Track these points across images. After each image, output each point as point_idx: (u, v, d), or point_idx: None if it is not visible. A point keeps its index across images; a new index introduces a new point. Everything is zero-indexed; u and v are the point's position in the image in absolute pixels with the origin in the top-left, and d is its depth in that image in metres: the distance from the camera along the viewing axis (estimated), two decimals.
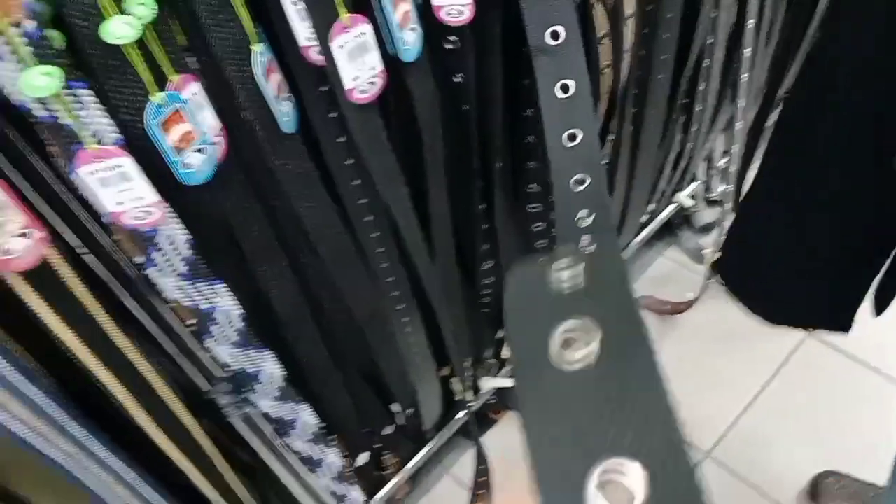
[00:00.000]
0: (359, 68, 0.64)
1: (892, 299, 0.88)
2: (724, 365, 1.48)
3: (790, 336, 1.51)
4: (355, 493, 1.04)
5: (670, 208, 1.51)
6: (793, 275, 0.97)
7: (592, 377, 0.20)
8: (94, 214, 0.67)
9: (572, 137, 0.53)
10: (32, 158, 0.63)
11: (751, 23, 1.11)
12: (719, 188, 1.53)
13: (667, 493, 0.19)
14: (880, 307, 0.90)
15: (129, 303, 0.75)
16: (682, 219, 1.66)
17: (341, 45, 0.61)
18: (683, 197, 1.49)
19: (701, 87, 1.17)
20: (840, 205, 0.83)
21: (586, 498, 0.18)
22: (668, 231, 1.67)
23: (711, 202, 1.61)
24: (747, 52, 1.14)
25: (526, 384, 0.21)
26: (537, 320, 0.22)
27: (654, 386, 0.20)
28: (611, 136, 1.04)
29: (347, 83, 0.64)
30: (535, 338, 0.22)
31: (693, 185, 1.51)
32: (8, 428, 0.58)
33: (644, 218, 1.44)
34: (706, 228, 1.66)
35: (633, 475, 0.18)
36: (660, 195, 1.41)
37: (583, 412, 0.19)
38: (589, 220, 0.45)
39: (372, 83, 0.66)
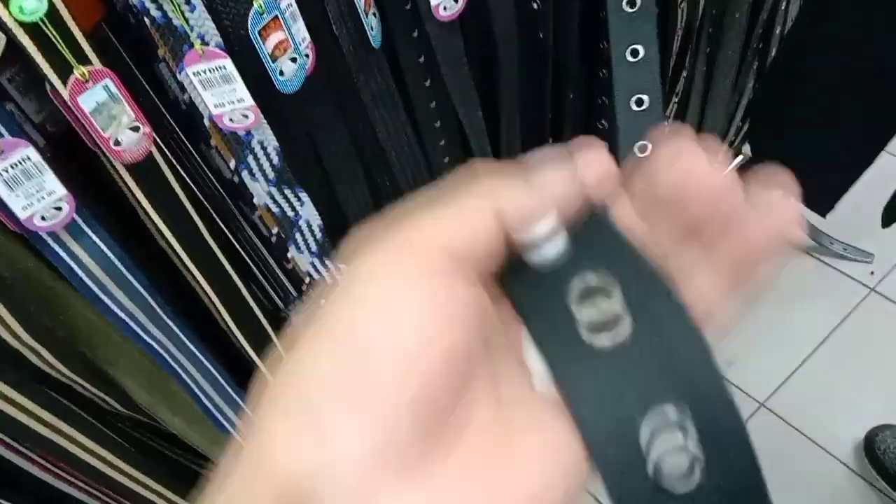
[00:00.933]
0: None
1: None
2: (784, 317, 1.47)
3: (853, 290, 1.49)
4: None
5: (737, 160, 1.50)
6: (794, 147, 0.97)
7: (626, 350, 0.19)
8: (188, 132, 0.72)
9: (635, 54, 0.54)
10: (137, 73, 0.68)
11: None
12: None
13: (715, 446, 0.18)
14: (888, 219, 0.91)
15: (215, 215, 0.80)
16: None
17: None
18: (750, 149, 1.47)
19: (776, 31, 1.15)
20: (851, 86, 0.83)
21: (642, 449, 0.18)
22: None
23: None
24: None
25: (547, 341, 0.20)
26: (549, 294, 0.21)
27: (692, 339, 0.19)
28: (684, 74, 1.04)
29: None
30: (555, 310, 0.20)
31: None
32: (112, 310, 0.63)
33: None
34: None
35: (684, 427, 0.18)
36: (728, 145, 1.40)
37: (622, 380, 0.19)
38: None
39: (455, 0, 0.68)
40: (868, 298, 1.47)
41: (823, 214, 1.01)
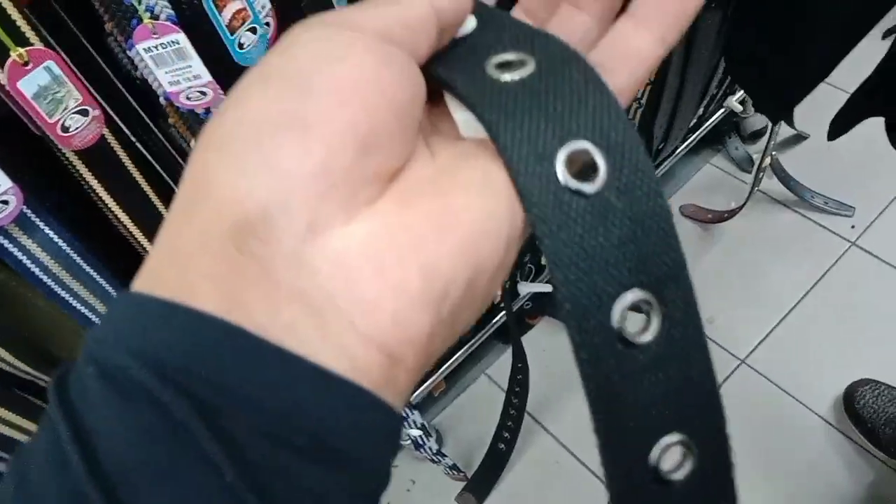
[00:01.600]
0: None
1: (848, 125, 0.88)
2: (764, 273, 1.47)
3: (833, 246, 1.49)
4: None
5: (719, 113, 1.47)
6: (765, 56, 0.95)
7: (534, 86, 0.20)
8: (146, 106, 0.68)
9: None
10: (87, 47, 0.63)
11: None
12: None
13: (622, 171, 0.19)
14: (834, 132, 0.89)
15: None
16: (731, 125, 1.61)
17: None
18: (733, 102, 1.44)
19: None
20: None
21: (557, 169, 0.19)
22: (716, 138, 1.63)
23: None
24: None
25: (468, 89, 0.21)
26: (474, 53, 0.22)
27: (597, 84, 0.20)
28: None
29: None
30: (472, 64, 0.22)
31: (739, 94, 1.46)
32: (70, 304, 0.60)
33: (692, 123, 1.40)
34: (755, 136, 1.62)
35: (595, 155, 0.19)
36: (710, 99, 1.37)
37: (534, 109, 0.20)
38: None
39: None
40: (849, 252, 1.47)
41: (774, 122, 0.98)
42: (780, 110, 0.99)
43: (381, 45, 0.20)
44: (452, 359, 1.28)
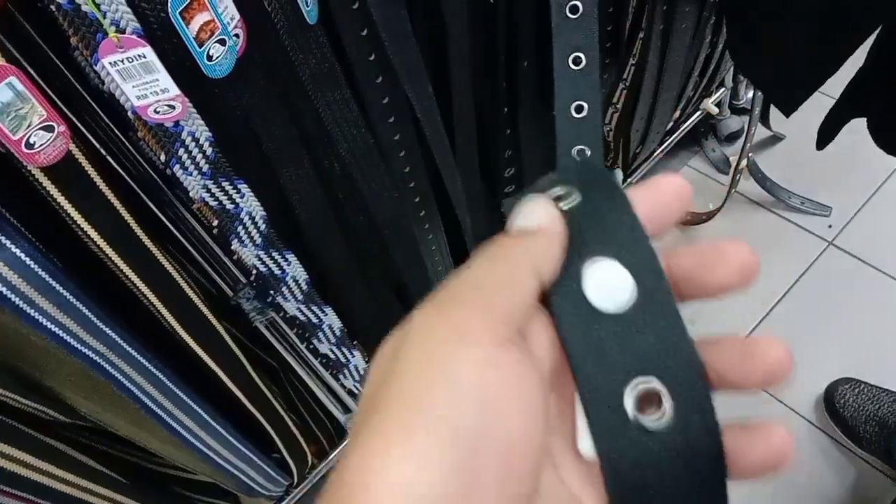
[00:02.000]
0: None
1: (834, 131, 0.88)
2: None
3: (811, 246, 1.49)
4: None
5: (696, 116, 1.48)
6: (772, 42, 0.95)
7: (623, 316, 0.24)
8: (115, 118, 0.67)
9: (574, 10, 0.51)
10: (54, 59, 0.62)
11: None
12: (747, 95, 1.49)
13: (686, 407, 0.22)
14: (823, 140, 0.90)
15: (153, 206, 0.75)
16: (708, 127, 1.62)
17: None
18: (710, 104, 1.45)
19: None
20: None
21: (626, 409, 0.22)
22: (693, 141, 1.64)
23: (738, 110, 1.57)
24: None
25: (568, 317, 0.24)
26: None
27: (675, 321, 0.23)
28: (640, 35, 1.00)
29: None
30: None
31: (720, 93, 1.47)
32: (41, 323, 0.58)
33: (669, 126, 1.40)
34: (731, 138, 1.62)
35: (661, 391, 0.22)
36: (686, 101, 1.38)
37: (615, 342, 0.23)
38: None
39: None
40: (826, 252, 1.48)
41: (788, 114, 0.98)
42: (793, 100, 0.98)
43: (518, 356, 0.22)
44: None
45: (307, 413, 1.10)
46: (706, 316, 1.41)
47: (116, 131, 0.69)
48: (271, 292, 0.79)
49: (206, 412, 0.81)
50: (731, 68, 1.44)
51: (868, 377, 1.26)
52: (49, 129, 0.51)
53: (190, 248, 0.82)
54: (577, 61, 0.51)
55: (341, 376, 1.00)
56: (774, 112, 1.48)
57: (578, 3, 0.48)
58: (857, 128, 0.94)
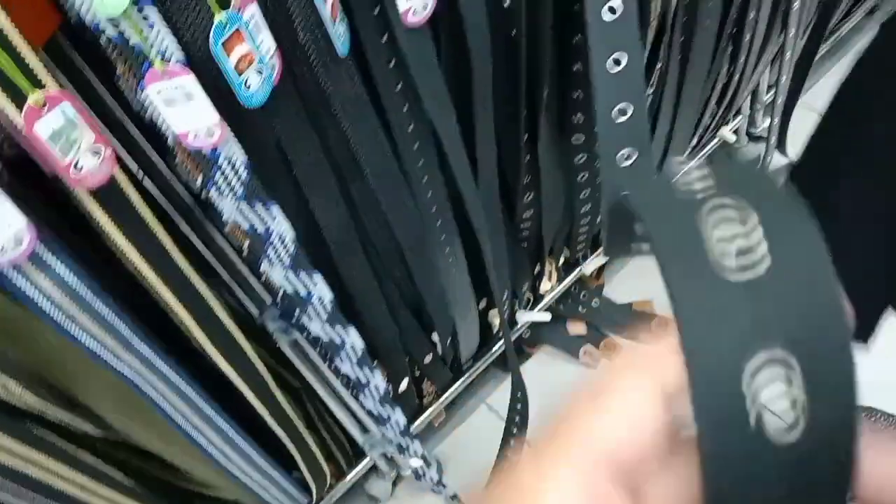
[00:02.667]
0: None
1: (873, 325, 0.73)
2: None
3: None
4: (398, 415, 1.07)
5: (713, 144, 1.50)
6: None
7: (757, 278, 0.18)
8: (155, 143, 0.69)
9: (617, 62, 0.53)
10: (97, 86, 0.65)
11: None
12: (764, 123, 1.51)
13: (819, 392, 0.17)
14: (863, 335, 0.74)
15: (185, 228, 0.77)
16: (724, 156, 1.64)
17: None
18: (727, 132, 1.47)
19: (751, 15, 1.14)
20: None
21: (743, 384, 0.17)
22: None
23: (755, 138, 1.58)
24: None
25: (682, 285, 0.19)
26: (680, 213, 0.20)
27: (822, 276, 0.18)
28: (658, 65, 1.03)
29: (402, 5, 0.64)
30: (682, 230, 0.19)
31: (737, 120, 1.49)
32: (80, 340, 0.61)
33: (686, 153, 1.42)
34: None
35: (791, 369, 0.17)
36: (703, 130, 1.39)
37: (742, 311, 0.18)
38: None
39: (425, 5, 0.66)
40: None
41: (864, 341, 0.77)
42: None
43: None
44: (452, 388, 1.29)
45: (327, 433, 1.11)
46: None
47: (155, 155, 0.72)
48: (297, 312, 0.81)
49: (231, 429, 0.83)
50: (749, 96, 1.46)
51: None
52: (96, 153, 0.54)
53: (220, 268, 0.84)
54: (617, 62, 0.51)
55: (361, 396, 1.01)
56: (791, 139, 1.50)
57: (622, 56, 0.48)
58: None
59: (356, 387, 0.99)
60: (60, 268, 0.56)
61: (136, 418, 0.73)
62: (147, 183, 0.72)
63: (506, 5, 0.77)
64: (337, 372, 0.96)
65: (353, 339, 0.91)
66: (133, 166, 0.71)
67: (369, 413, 1.07)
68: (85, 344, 0.62)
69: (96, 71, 0.64)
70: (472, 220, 0.93)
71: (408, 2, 0.64)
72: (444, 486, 1.25)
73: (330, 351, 0.91)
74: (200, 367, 0.77)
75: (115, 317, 0.63)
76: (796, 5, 1.15)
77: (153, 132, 0.65)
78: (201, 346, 0.74)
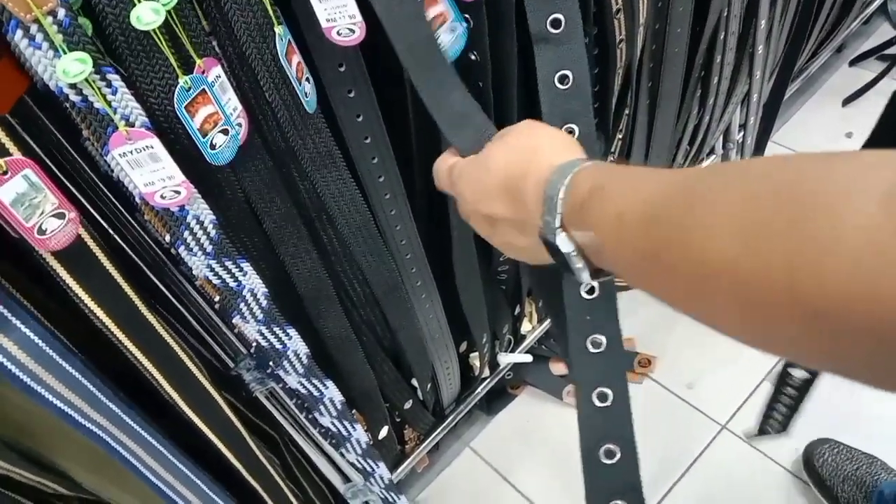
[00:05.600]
0: None
1: None
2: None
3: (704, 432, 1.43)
4: (382, 469, 1.06)
5: None
6: None
7: None
8: (124, 200, 0.70)
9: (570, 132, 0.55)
10: (65, 146, 0.66)
11: None
12: (737, 159, 1.53)
13: None
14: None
15: (156, 282, 0.78)
16: None
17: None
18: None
19: (717, 59, 1.17)
20: None
21: None
22: None
23: None
24: (763, 24, 1.14)
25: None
26: None
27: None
28: (626, 111, 1.05)
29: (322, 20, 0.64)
30: None
31: (711, 159, 1.51)
32: (48, 400, 0.60)
33: None
34: None
35: None
36: (685, 154, 1.41)
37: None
38: None
39: (351, 26, 0.67)
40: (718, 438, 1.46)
41: None
42: None
43: None
44: (435, 433, 1.28)
45: (307, 483, 1.10)
46: (704, 381, 1.42)
47: (124, 212, 0.72)
48: (271, 364, 0.81)
49: (206, 485, 0.82)
50: (721, 136, 1.48)
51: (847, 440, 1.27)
52: (60, 216, 0.54)
53: (192, 320, 0.84)
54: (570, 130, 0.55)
55: (343, 450, 1.01)
56: None
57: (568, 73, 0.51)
58: None
59: (337, 440, 0.99)
60: (26, 329, 0.56)
61: (108, 477, 0.72)
62: (118, 238, 0.72)
63: (472, 58, 0.79)
64: (315, 423, 0.95)
65: (332, 393, 0.90)
66: (104, 223, 0.71)
67: (352, 465, 1.06)
68: (52, 404, 0.61)
69: (64, 132, 0.65)
70: (454, 265, 0.94)
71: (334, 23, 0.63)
72: None
73: (309, 403, 0.90)
74: (173, 421, 0.76)
75: (83, 376, 0.62)
76: (761, 49, 1.18)
77: (121, 193, 0.65)
78: (173, 401, 0.73)
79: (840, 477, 1.22)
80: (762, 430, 1.35)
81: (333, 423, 0.93)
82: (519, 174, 0.46)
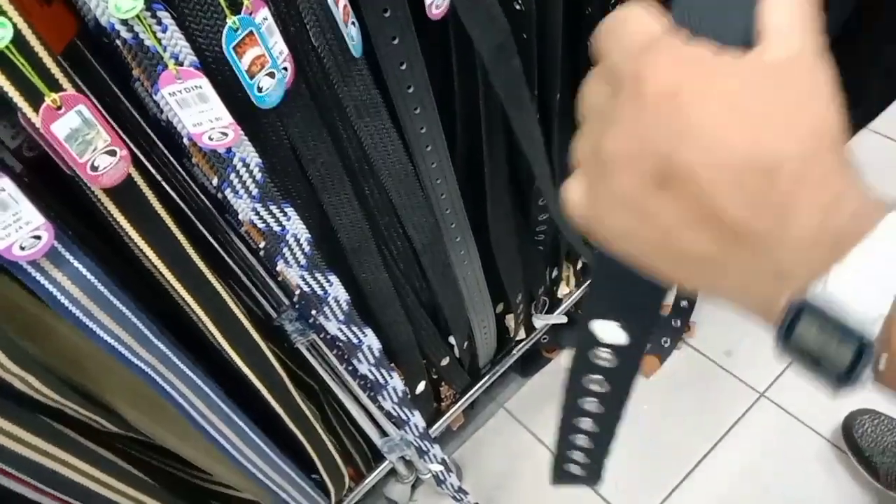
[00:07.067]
0: None
1: None
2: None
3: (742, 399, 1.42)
4: (417, 418, 1.07)
5: None
6: None
7: None
8: (171, 147, 0.71)
9: None
10: (115, 89, 0.67)
11: None
12: None
13: None
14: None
15: (202, 229, 0.79)
16: None
17: None
18: None
19: None
20: None
21: None
22: None
23: None
24: None
25: None
26: None
27: None
28: None
29: None
30: None
31: None
32: (98, 335, 0.62)
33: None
34: None
35: None
36: None
37: None
38: None
39: (438, 6, 0.67)
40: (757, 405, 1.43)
41: None
42: None
43: None
44: (471, 392, 1.29)
45: (345, 436, 1.12)
46: (743, 349, 1.40)
47: (171, 158, 0.74)
48: (313, 312, 0.82)
49: (250, 429, 0.84)
50: None
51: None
52: (112, 153, 0.56)
53: (237, 269, 0.86)
54: None
55: (380, 398, 1.02)
56: None
57: None
58: None
59: (374, 388, 1.00)
60: (78, 264, 0.58)
61: (154, 415, 0.74)
62: (165, 185, 0.74)
63: (517, 7, 0.78)
64: (354, 373, 0.97)
65: (371, 340, 0.91)
66: (151, 169, 0.73)
67: (388, 415, 1.07)
68: (103, 339, 0.63)
69: (113, 75, 0.66)
70: (489, 220, 0.94)
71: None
72: (465, 493, 1.25)
73: (347, 352, 0.92)
74: (218, 366, 0.78)
75: (133, 313, 0.64)
76: None
77: (169, 134, 0.66)
78: (219, 345, 0.75)
79: (880, 448, 1.21)
80: None
81: (371, 371, 0.94)
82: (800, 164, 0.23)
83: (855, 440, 1.23)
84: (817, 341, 0.23)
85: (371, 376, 0.96)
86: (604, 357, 0.39)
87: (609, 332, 0.37)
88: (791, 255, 0.23)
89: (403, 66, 0.72)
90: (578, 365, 0.41)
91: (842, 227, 0.23)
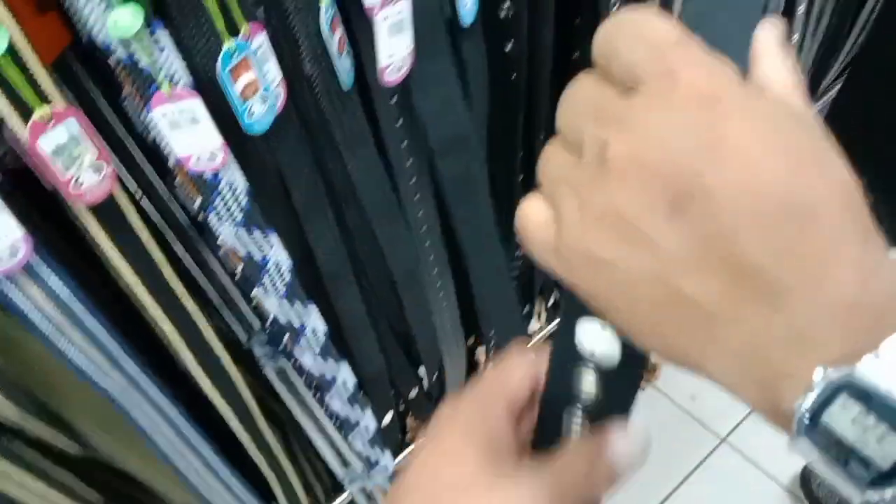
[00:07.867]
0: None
1: None
2: None
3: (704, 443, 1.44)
4: (387, 458, 1.06)
5: None
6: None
7: None
8: (154, 163, 0.70)
9: None
10: (102, 105, 0.66)
11: (801, 8, 1.11)
12: None
13: None
14: None
15: (179, 248, 0.78)
16: None
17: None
18: None
19: None
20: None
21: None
22: None
23: None
24: (795, 38, 1.14)
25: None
26: None
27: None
28: None
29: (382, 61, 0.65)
30: None
31: None
32: (67, 354, 0.61)
33: None
34: None
35: None
36: None
37: None
38: None
39: (400, 67, 0.67)
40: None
41: None
42: None
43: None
44: None
45: (307, 463, 1.10)
46: (707, 393, 1.42)
47: (155, 176, 0.73)
48: (285, 340, 0.81)
49: (212, 454, 0.82)
50: None
51: None
52: (98, 169, 0.55)
53: (209, 291, 0.84)
54: None
55: (350, 435, 1.01)
56: None
57: None
58: None
59: (345, 426, 0.99)
60: (54, 280, 0.56)
61: (117, 436, 0.72)
62: (145, 203, 0.72)
63: (507, 48, 0.79)
64: (326, 408, 0.96)
65: (345, 375, 0.91)
66: (132, 185, 0.71)
67: (357, 455, 1.06)
68: (71, 358, 0.61)
69: (102, 90, 0.65)
70: (462, 254, 0.94)
71: (388, 59, 0.65)
72: None
73: (321, 386, 0.90)
74: (185, 389, 0.76)
75: (105, 333, 0.63)
76: None
77: (154, 153, 0.65)
78: (187, 368, 0.74)
79: (836, 499, 1.22)
80: None
81: (344, 408, 0.93)
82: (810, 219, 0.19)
83: (812, 490, 1.25)
84: (854, 431, 0.19)
85: (343, 413, 0.95)
86: (591, 381, 0.31)
87: (599, 341, 0.29)
88: (821, 320, 0.19)
89: (392, 101, 0.73)
90: (557, 392, 0.33)
91: (886, 293, 0.19)
